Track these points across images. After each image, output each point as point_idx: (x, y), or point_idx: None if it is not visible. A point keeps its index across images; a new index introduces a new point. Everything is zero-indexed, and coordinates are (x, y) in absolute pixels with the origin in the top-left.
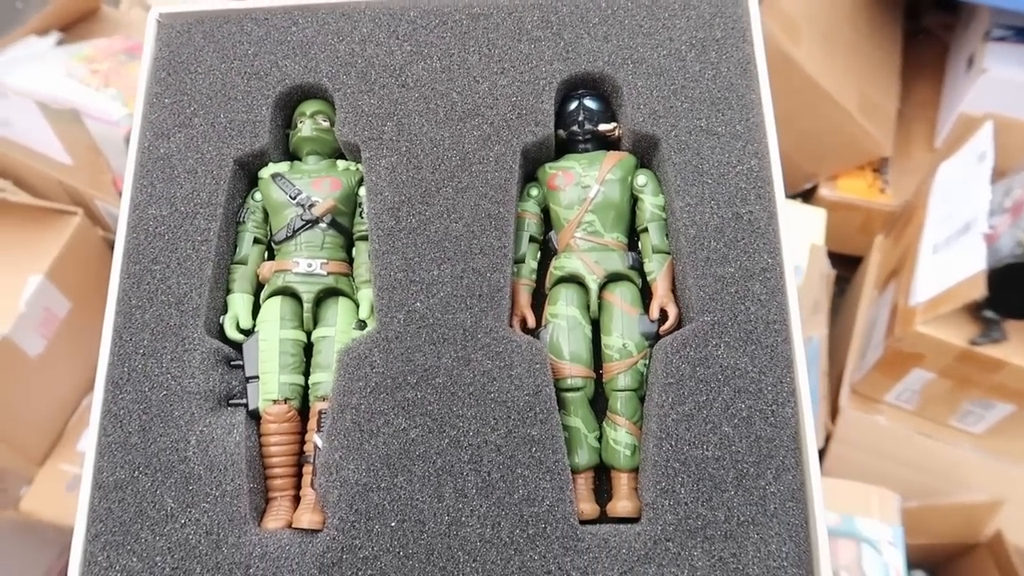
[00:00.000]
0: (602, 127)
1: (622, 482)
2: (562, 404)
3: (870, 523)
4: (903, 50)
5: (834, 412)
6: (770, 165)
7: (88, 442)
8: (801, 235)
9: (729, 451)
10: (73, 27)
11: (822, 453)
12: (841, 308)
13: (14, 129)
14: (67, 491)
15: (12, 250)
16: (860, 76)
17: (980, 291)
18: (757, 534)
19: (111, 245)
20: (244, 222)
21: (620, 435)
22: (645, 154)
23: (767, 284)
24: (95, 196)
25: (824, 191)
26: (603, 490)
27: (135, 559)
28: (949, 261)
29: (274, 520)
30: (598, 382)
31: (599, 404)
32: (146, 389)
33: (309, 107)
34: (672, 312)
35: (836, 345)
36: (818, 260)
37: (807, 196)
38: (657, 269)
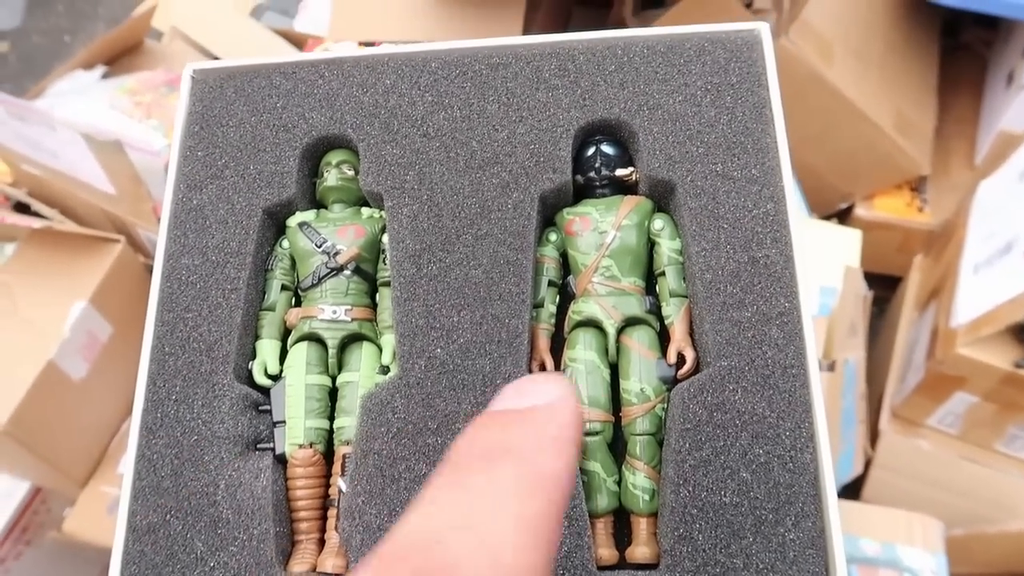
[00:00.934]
0: (619, 172)
1: (641, 527)
2: (582, 449)
3: (912, 552)
4: (940, 66)
5: (874, 436)
6: (786, 209)
7: (123, 486)
8: (836, 257)
9: (747, 497)
10: (118, 60)
11: (862, 479)
12: (880, 330)
13: (61, 160)
14: (108, 513)
15: (57, 277)
16: (896, 94)
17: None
18: None
19: (151, 271)
20: (272, 269)
21: (639, 479)
22: (662, 198)
23: (784, 328)
24: (136, 224)
25: (860, 211)
26: (623, 535)
27: None
28: (991, 281)
29: (299, 564)
30: (617, 426)
31: (618, 448)
32: (178, 434)
33: (335, 157)
34: (689, 356)
35: (876, 367)
36: (854, 282)
37: (843, 216)
38: (674, 313)
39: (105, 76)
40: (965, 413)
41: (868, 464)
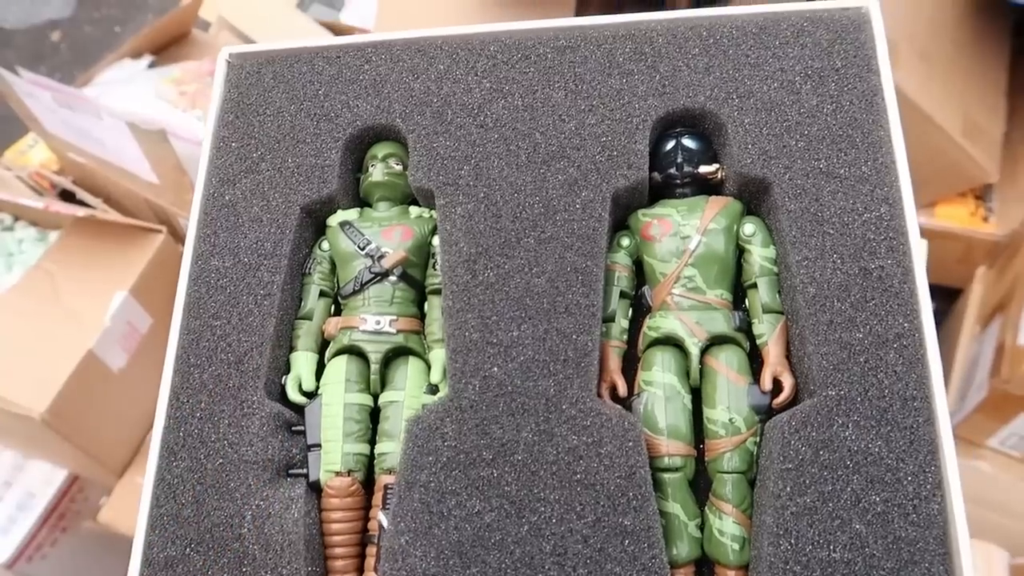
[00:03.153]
0: (703, 169)
1: None
2: (657, 486)
3: None
4: (1011, 69)
5: None
6: (903, 213)
7: (139, 513)
8: None
9: (861, 553)
10: (165, 50)
11: None
12: (940, 342)
13: (107, 149)
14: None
15: (99, 266)
16: (963, 97)
17: None
18: None
19: None
20: (310, 273)
21: (727, 525)
22: (753, 200)
23: (903, 353)
24: (179, 214)
25: (921, 219)
26: None
27: None
28: None
29: None
30: (698, 460)
31: (699, 486)
32: (202, 456)
33: (381, 150)
34: (788, 383)
35: None
36: None
37: None
38: (768, 332)
39: (152, 65)
40: None
41: None
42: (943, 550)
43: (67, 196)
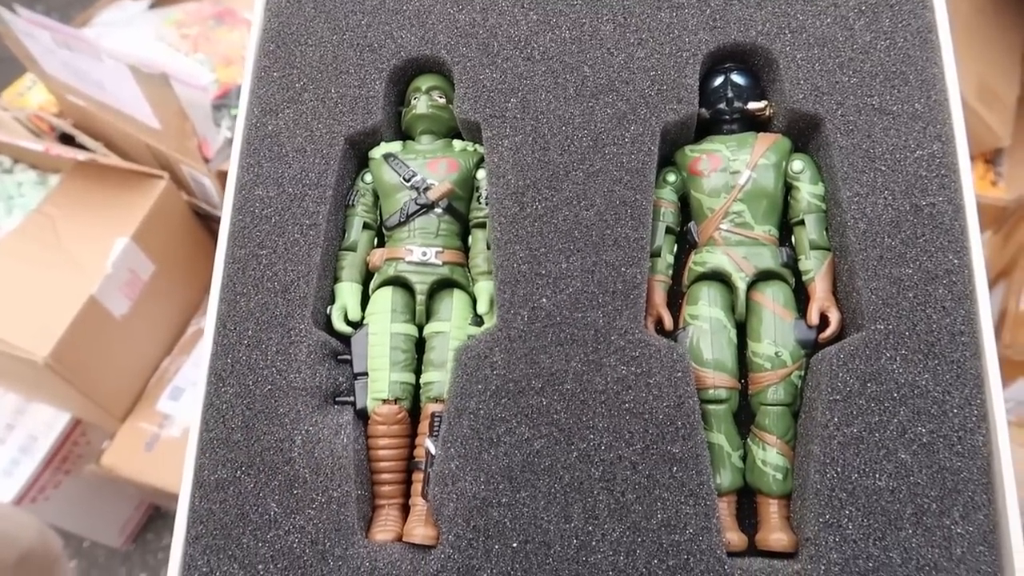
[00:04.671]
0: (751, 105)
1: (772, 510)
2: (702, 417)
3: None
4: None
5: None
6: (955, 150)
7: (190, 436)
8: None
9: (906, 482)
10: None
11: None
12: None
13: (107, 92)
14: (145, 449)
15: (101, 211)
16: (978, 60)
17: None
18: None
19: (195, 210)
20: (353, 205)
21: (770, 456)
22: (801, 136)
23: (953, 289)
24: (181, 161)
25: None
26: (744, 516)
27: (236, 566)
28: None
29: (383, 532)
30: (742, 394)
31: (741, 418)
32: (250, 383)
33: (424, 82)
34: (834, 318)
35: None
36: None
37: None
38: (815, 268)
39: (152, 7)
40: None
41: None
42: (986, 480)
43: (66, 139)
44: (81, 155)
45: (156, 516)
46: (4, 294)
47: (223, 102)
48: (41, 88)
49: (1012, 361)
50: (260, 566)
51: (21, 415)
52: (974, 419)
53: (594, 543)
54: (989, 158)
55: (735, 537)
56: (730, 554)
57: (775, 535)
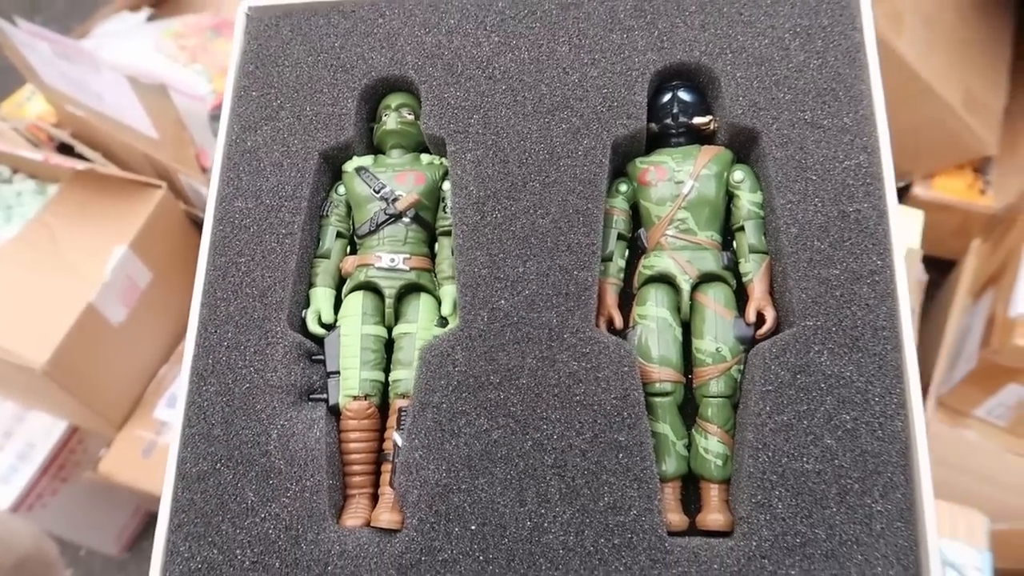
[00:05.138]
0: (696, 120)
1: (712, 494)
2: (650, 409)
3: (956, 546)
4: (1014, 44)
5: None
6: (880, 161)
7: (173, 433)
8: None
9: (831, 465)
10: (164, 2)
11: None
12: (930, 314)
13: (105, 102)
14: (142, 456)
15: (99, 220)
16: (966, 69)
17: None
18: (861, 555)
19: (192, 219)
20: (327, 216)
21: (711, 444)
22: (743, 149)
23: (875, 288)
24: (179, 170)
25: (918, 190)
26: (690, 501)
27: (216, 551)
28: None
29: (352, 518)
30: (687, 387)
31: (687, 410)
32: (229, 381)
33: (394, 100)
34: (770, 316)
35: (924, 354)
36: (912, 265)
37: (900, 195)
38: (754, 270)
39: (151, 18)
40: (1016, 406)
41: None
42: (904, 462)
43: (65, 149)
44: (80, 164)
45: (153, 524)
46: (3, 302)
47: (220, 112)
48: (40, 99)
49: (1000, 367)
50: (238, 551)
51: (19, 423)
52: (894, 407)
53: (546, 524)
54: (977, 167)
55: (677, 518)
56: (671, 533)
57: (712, 515)
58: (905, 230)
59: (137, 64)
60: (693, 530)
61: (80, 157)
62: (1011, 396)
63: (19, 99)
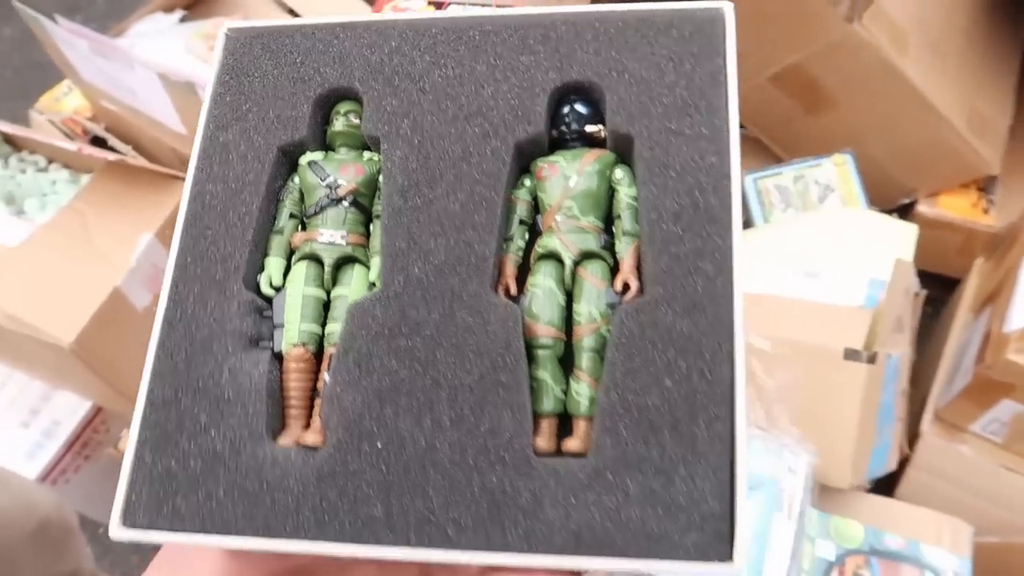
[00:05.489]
0: (588, 128)
1: (580, 427)
2: (535, 359)
3: (937, 552)
4: (1021, 64)
5: (914, 437)
6: (729, 162)
7: (144, 369)
8: (889, 250)
9: (668, 401)
10: (197, 5)
11: (897, 476)
12: (934, 331)
13: (138, 98)
14: None
15: (128, 209)
16: (971, 90)
17: None
18: (685, 470)
19: None
20: (283, 200)
21: (581, 387)
22: (623, 151)
23: (716, 262)
24: None
25: (923, 208)
26: (564, 436)
27: (173, 461)
28: None
29: (285, 439)
30: (569, 344)
31: (568, 363)
32: (193, 328)
33: (343, 107)
34: (633, 285)
35: (924, 369)
36: (904, 276)
37: (904, 212)
38: (624, 249)
39: (183, 20)
40: (1011, 421)
41: (904, 463)
42: (726, 400)
43: (98, 142)
44: (111, 156)
45: None
46: (35, 283)
47: None
48: (76, 94)
49: (993, 381)
50: (191, 461)
51: (46, 401)
52: (722, 356)
53: (437, 444)
54: (982, 186)
55: (545, 443)
56: (540, 455)
57: (573, 441)
58: (898, 243)
59: (168, 63)
60: (558, 452)
61: (112, 149)
62: (1005, 411)
63: (57, 93)
